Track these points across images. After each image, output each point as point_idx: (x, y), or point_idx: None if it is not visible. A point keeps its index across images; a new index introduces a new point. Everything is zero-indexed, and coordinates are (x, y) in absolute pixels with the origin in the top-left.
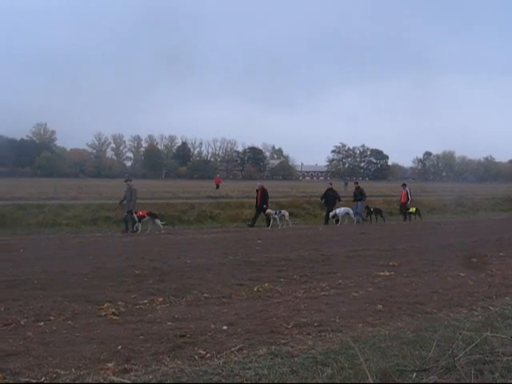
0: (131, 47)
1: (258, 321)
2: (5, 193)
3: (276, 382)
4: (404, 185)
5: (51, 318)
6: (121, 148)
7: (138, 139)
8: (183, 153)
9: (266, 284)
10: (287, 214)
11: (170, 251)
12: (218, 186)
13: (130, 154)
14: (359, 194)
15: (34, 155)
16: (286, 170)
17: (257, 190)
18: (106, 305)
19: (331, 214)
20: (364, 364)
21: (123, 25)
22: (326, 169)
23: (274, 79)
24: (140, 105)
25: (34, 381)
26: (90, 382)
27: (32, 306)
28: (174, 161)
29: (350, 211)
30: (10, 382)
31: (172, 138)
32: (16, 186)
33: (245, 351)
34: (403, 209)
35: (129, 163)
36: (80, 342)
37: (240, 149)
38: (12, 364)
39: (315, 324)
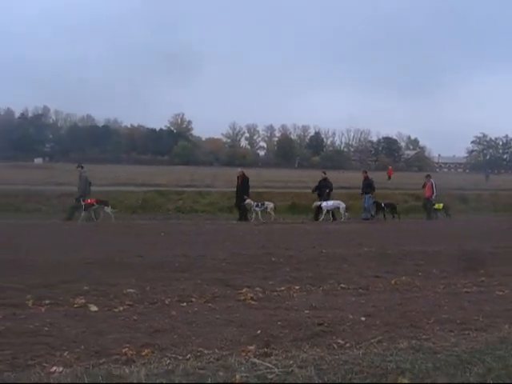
0: (262, 38)
1: (396, 314)
2: (146, 180)
3: (421, 376)
4: (428, 176)
5: (193, 299)
6: (254, 137)
7: (271, 129)
8: (316, 143)
9: (404, 277)
10: (271, 205)
11: (304, 240)
12: (389, 177)
13: (264, 144)
14: (367, 187)
15: (171, 144)
16: (421, 161)
17: (237, 178)
18: (244, 290)
19: (314, 204)
20: None
21: (255, 17)
22: (464, 160)
23: (409, 66)
24: (274, 94)
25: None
26: (233, 362)
27: (175, 287)
28: (307, 150)
29: (342, 205)
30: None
31: (305, 128)
32: (155, 173)
33: (384, 343)
34: (428, 204)
35: (262, 152)
36: (221, 324)
37: (374, 139)
38: (159, 340)
39: (457, 321)
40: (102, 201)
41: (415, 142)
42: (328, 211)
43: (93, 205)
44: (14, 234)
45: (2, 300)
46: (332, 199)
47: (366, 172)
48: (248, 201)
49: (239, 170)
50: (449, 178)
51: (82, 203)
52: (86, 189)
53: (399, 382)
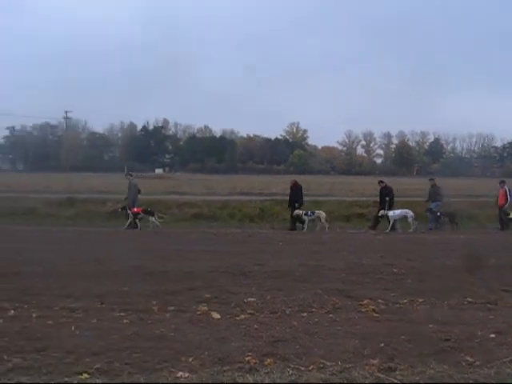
0: (378, 44)
1: None
2: (263, 189)
3: None
4: (502, 182)
5: (313, 309)
6: (371, 145)
7: (388, 136)
8: (436, 149)
9: None
10: (323, 214)
11: (425, 250)
12: None
13: (381, 151)
14: (434, 194)
15: (287, 153)
16: None
17: (291, 187)
18: (365, 301)
19: (380, 213)
20: None
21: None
22: None
23: None
24: (390, 100)
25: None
26: (357, 375)
27: (295, 297)
28: (426, 157)
29: (409, 214)
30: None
31: (424, 134)
32: (272, 182)
33: None
34: (501, 213)
35: (379, 160)
36: (342, 336)
37: (499, 144)
38: (281, 350)
39: None
40: (149, 211)
41: None
42: (395, 221)
43: (139, 213)
44: (141, 241)
45: (130, 305)
46: (397, 208)
47: (433, 179)
48: (296, 211)
49: (292, 179)
50: None
51: (129, 211)
52: (135, 197)
53: None
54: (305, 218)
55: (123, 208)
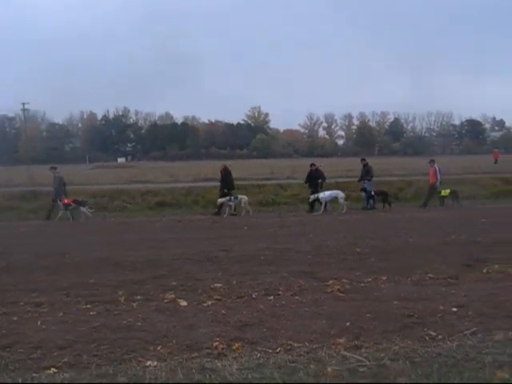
0: (336, 25)
1: (490, 304)
2: None
3: None
4: (432, 161)
5: (280, 292)
6: (332, 127)
7: (349, 117)
8: (396, 129)
9: (496, 266)
10: (245, 199)
11: (389, 230)
12: (496, 161)
13: (342, 133)
14: (366, 174)
15: (249, 138)
16: (509, 143)
17: (220, 172)
18: (330, 282)
19: (312, 197)
20: None
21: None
22: None
23: (489, 43)
24: (350, 82)
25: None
26: (324, 355)
27: (261, 281)
28: (387, 137)
29: (340, 195)
30: None
31: (384, 114)
32: (235, 167)
33: (479, 335)
34: (432, 191)
35: (341, 142)
36: (309, 317)
37: (457, 122)
38: (248, 334)
39: None
40: (79, 201)
41: (501, 123)
42: (326, 203)
43: (70, 205)
44: (106, 232)
45: (96, 297)
46: (327, 189)
47: (365, 159)
48: (220, 199)
49: (222, 163)
50: None
51: (59, 203)
52: (59, 189)
53: (498, 375)
54: (230, 203)
55: (54, 200)
